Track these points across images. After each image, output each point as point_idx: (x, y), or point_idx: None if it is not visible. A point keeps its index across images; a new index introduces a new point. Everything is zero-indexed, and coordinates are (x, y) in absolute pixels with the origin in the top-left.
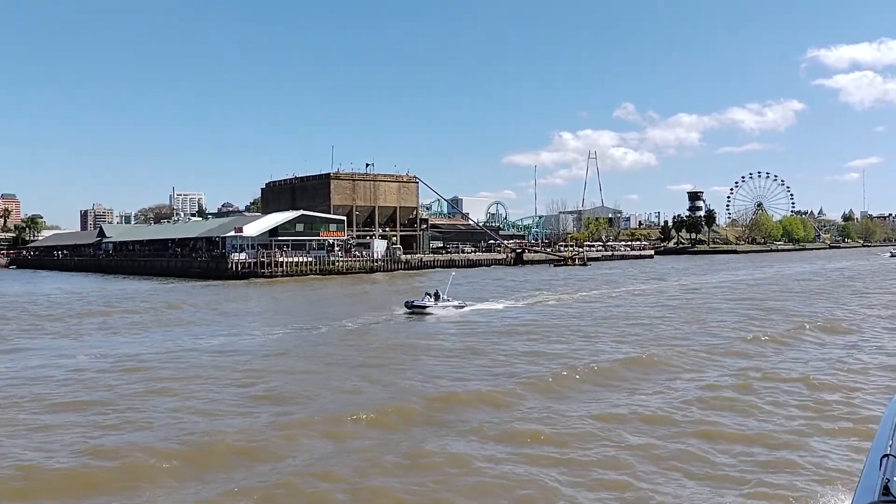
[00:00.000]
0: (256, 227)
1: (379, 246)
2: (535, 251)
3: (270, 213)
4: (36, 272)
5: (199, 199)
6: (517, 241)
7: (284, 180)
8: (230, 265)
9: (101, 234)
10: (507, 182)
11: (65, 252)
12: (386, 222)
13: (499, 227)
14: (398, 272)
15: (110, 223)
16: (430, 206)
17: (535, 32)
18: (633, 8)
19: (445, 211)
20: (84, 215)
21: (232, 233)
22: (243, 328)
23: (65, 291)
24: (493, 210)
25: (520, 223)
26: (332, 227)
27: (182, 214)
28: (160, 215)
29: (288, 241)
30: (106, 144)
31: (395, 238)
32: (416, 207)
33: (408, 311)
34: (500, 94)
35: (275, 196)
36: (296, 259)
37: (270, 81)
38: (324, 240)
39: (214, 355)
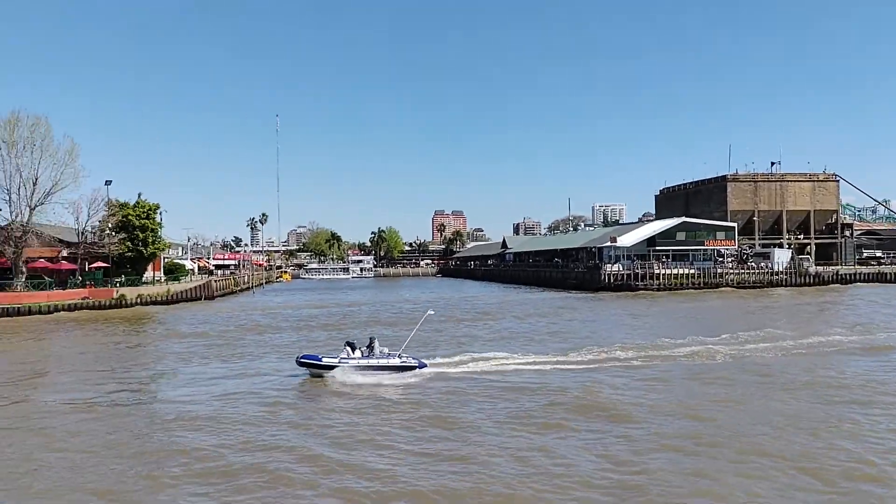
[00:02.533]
0: (632, 236)
1: (781, 256)
2: None
3: (664, 220)
4: (451, 279)
5: (613, 210)
6: None
7: (677, 186)
8: (603, 276)
9: (504, 245)
10: None
11: (477, 262)
12: (795, 229)
13: None
14: (806, 287)
15: (535, 235)
16: (876, 210)
17: None
18: None
19: None
20: (516, 228)
21: (608, 243)
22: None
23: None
24: None
25: None
26: (720, 234)
27: (582, 225)
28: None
29: (667, 251)
30: (532, 164)
31: (808, 247)
32: (836, 211)
33: (306, 370)
34: None
35: (668, 203)
36: (675, 271)
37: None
38: (711, 249)
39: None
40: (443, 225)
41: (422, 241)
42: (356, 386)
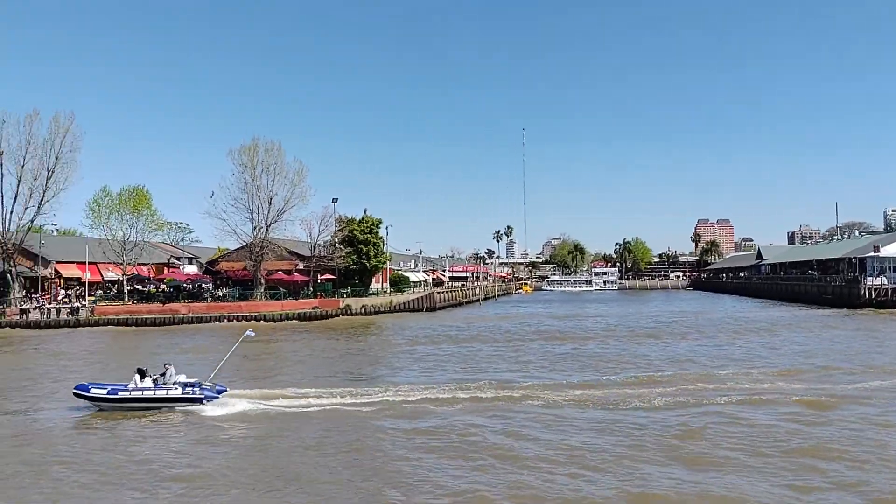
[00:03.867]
0: None
1: None
2: None
3: None
4: (701, 293)
5: None
6: None
7: None
8: (862, 291)
9: (759, 256)
10: None
11: (729, 275)
12: None
13: None
14: None
15: (808, 244)
16: None
17: None
18: None
19: None
20: (791, 236)
21: (870, 253)
22: None
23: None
24: None
25: None
26: None
27: (857, 232)
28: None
29: None
30: (816, 169)
31: None
32: None
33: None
34: None
35: None
36: None
37: None
38: None
39: None
40: (698, 235)
41: (673, 251)
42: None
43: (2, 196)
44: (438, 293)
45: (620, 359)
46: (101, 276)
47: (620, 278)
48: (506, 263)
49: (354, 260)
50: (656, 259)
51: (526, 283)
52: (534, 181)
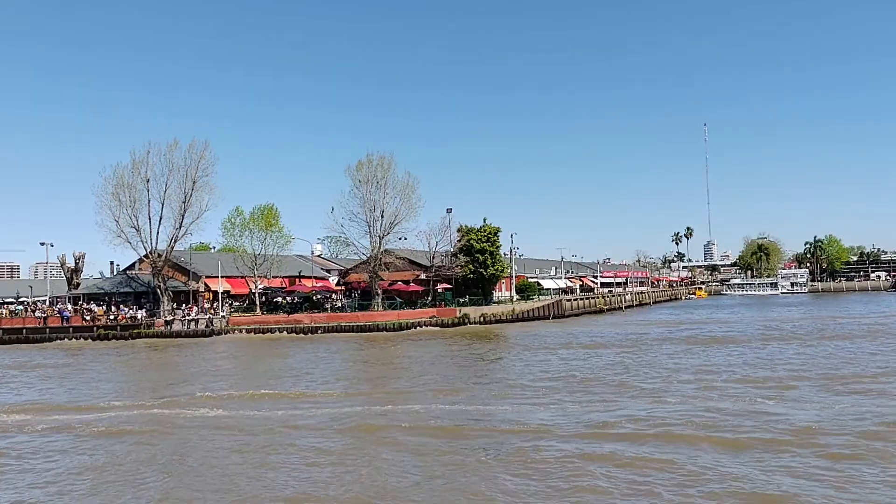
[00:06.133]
0: None
1: None
2: None
3: None
4: None
5: None
6: None
7: None
8: None
9: None
10: None
11: None
12: None
13: None
14: None
15: None
16: None
17: None
18: None
19: None
20: None
21: None
22: None
23: None
24: None
25: None
26: None
27: None
28: None
29: None
30: None
31: None
32: None
33: None
34: None
35: None
36: None
37: None
38: None
39: None
40: None
41: (876, 249)
42: None
43: (149, 219)
44: (568, 300)
45: None
46: (249, 288)
47: (812, 280)
48: (688, 267)
49: (472, 269)
50: (854, 258)
51: (700, 288)
52: (720, 178)
